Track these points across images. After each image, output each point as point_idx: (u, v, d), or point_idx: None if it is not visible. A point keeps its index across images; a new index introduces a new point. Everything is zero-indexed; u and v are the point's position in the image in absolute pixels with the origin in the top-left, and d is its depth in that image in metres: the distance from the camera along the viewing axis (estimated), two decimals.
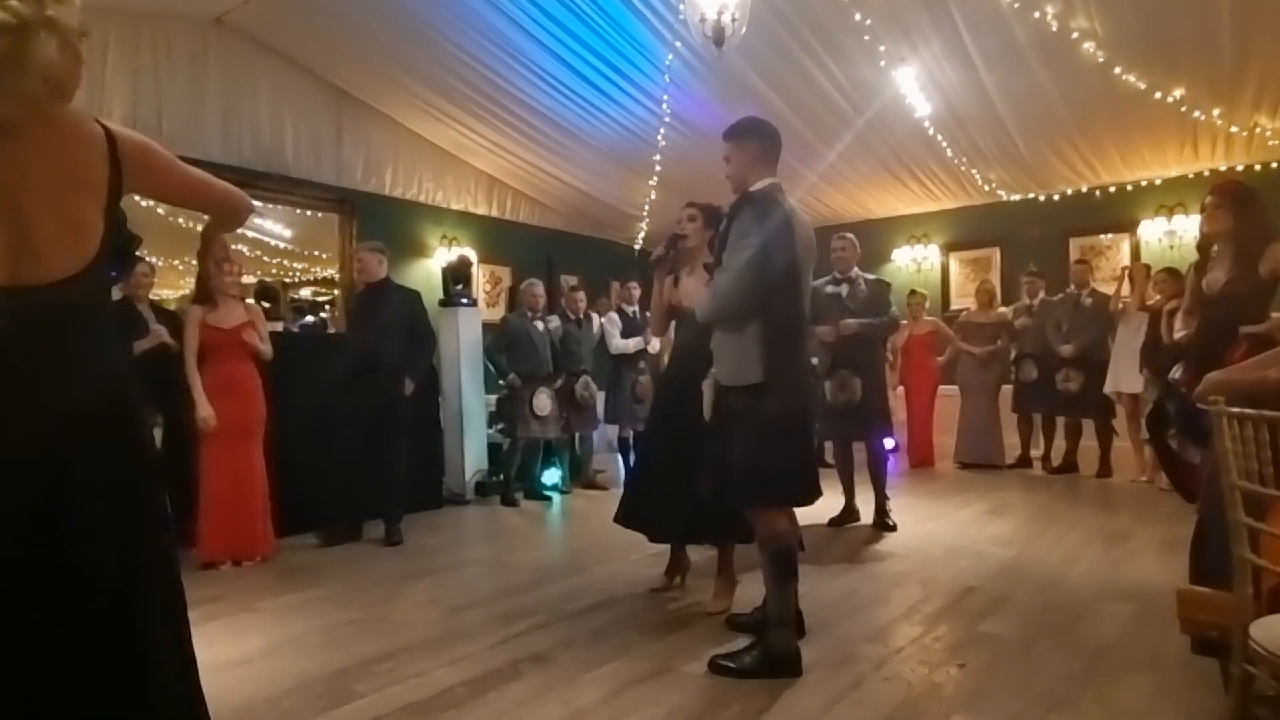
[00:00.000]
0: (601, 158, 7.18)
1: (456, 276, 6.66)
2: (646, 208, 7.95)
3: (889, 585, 3.52)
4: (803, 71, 5.69)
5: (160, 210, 6.61)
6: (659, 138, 6.60)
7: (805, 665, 2.55)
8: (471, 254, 7.48)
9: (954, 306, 8.01)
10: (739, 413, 2.52)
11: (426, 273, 7.25)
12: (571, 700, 2.36)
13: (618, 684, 2.48)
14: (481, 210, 8.04)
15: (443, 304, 6.53)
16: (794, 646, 2.55)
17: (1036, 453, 6.88)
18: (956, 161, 6.93)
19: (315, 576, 3.90)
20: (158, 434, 4.08)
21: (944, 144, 6.60)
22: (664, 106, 6.21)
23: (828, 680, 2.47)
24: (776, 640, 2.52)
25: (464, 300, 6.53)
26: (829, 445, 5.39)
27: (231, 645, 2.93)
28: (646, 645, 2.81)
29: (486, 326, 6.75)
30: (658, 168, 7.06)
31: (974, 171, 7.14)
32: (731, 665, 2.53)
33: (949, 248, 8.27)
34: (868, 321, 4.63)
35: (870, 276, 4.92)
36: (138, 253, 4.28)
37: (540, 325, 6.10)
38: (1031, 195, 7.55)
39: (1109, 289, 6.42)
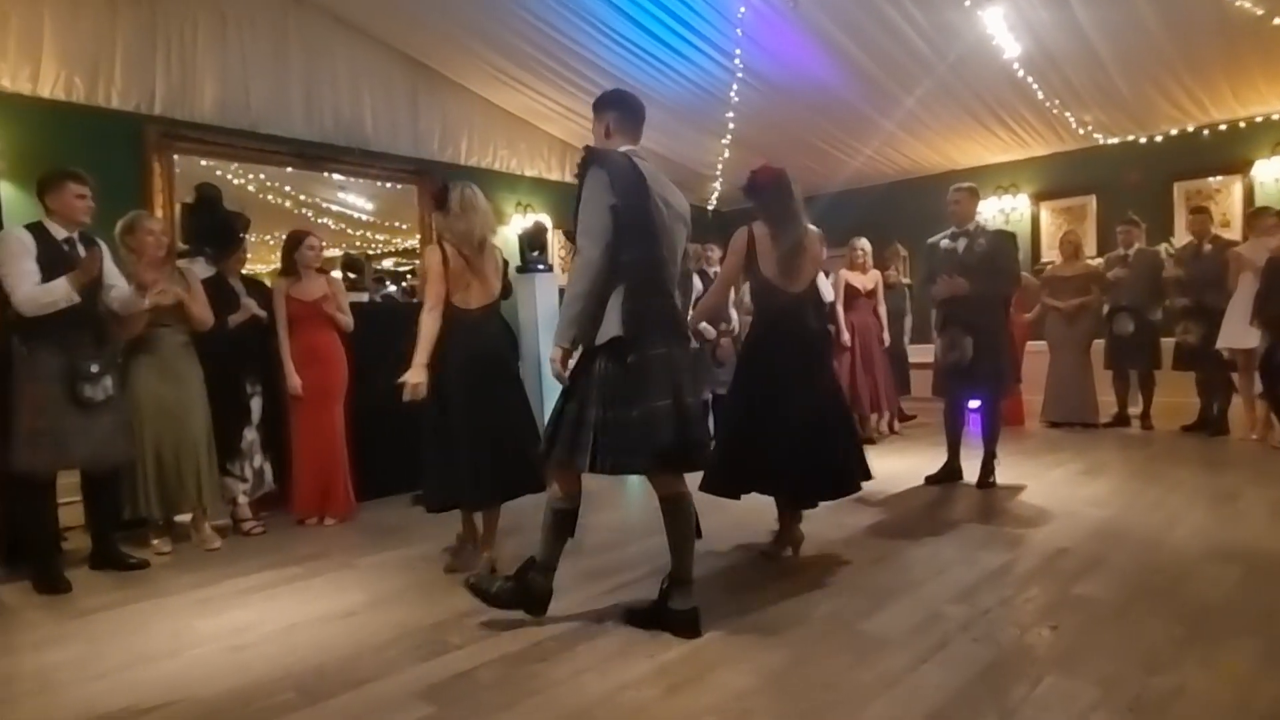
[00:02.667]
0: (672, 117, 7.08)
1: (533, 243, 6.74)
2: (719, 167, 7.84)
3: (976, 546, 3.45)
4: (881, 16, 5.46)
5: (251, 188, 6.92)
6: (732, 94, 6.46)
7: (890, 624, 2.55)
8: (546, 220, 7.55)
9: (1044, 259, 7.65)
10: (601, 370, 2.50)
11: (502, 240, 7.35)
12: (656, 655, 2.42)
13: (702, 640, 2.52)
14: (555, 176, 8.08)
15: (520, 270, 6.63)
16: (549, 589, 2.68)
17: (1135, 410, 6.57)
18: (1048, 104, 6.55)
19: (408, 536, 4.08)
20: (256, 401, 4.33)
21: (1035, 86, 6.25)
22: (736, 61, 6.07)
23: (913, 640, 2.46)
24: (538, 580, 2.66)
25: (540, 266, 6.61)
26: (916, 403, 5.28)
27: (336, 599, 3.11)
28: (727, 603, 2.85)
29: (562, 292, 6.83)
30: (731, 125, 6.92)
31: (1068, 114, 6.74)
32: (485, 590, 2.68)
33: (1039, 197, 7.87)
34: (958, 280, 4.45)
35: (992, 229, 4.73)
36: (242, 234, 4.50)
37: None
38: (1131, 137, 7.09)
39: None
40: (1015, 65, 5.89)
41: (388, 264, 8.70)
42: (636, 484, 5.35)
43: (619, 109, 2.74)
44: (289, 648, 2.63)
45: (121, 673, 2.48)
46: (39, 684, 2.42)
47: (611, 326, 2.46)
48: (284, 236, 4.66)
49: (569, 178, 8.17)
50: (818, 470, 3.24)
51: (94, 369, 3.41)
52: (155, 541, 3.88)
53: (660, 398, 2.45)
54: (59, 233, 3.43)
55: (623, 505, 4.73)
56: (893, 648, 2.41)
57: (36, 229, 3.39)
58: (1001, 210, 7.92)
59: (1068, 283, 6.68)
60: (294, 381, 4.33)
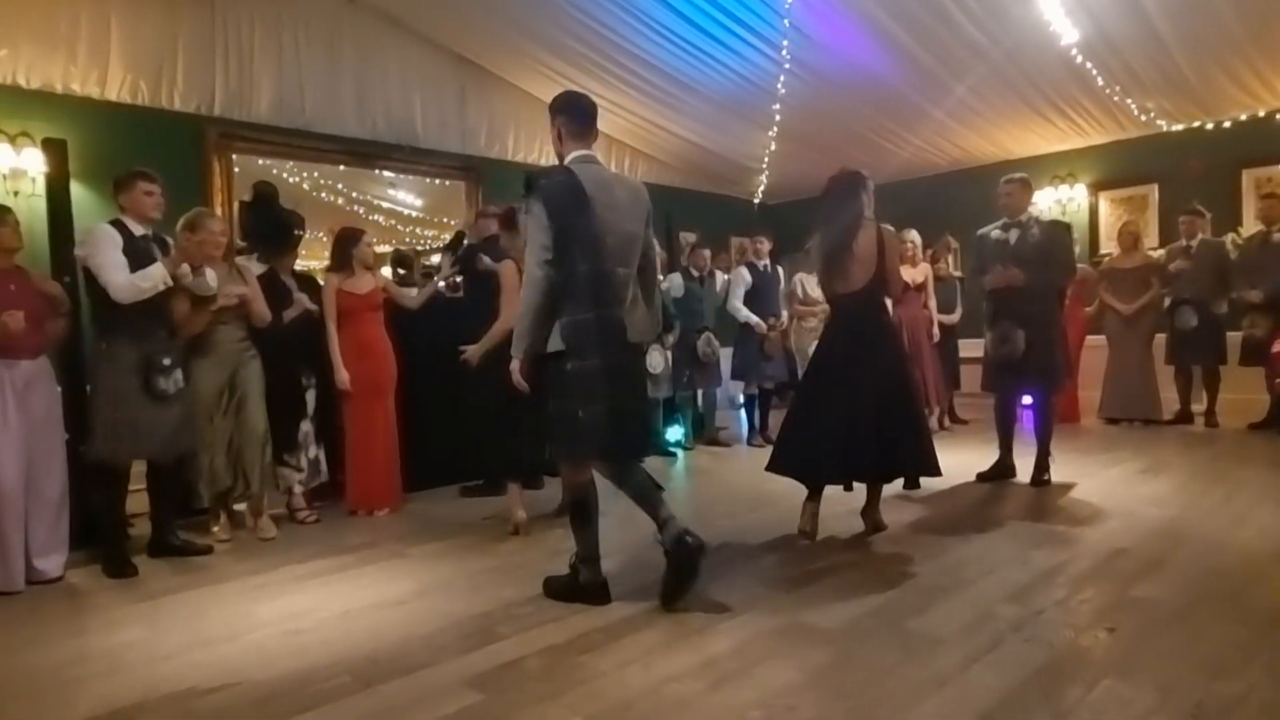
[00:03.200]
0: (718, 110, 7.06)
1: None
2: (766, 159, 7.77)
3: (1029, 545, 3.37)
4: (933, 3, 5.35)
5: (305, 185, 7.08)
6: (779, 85, 6.40)
7: (940, 623, 2.51)
8: None
9: (1103, 251, 7.42)
10: (548, 378, 2.81)
11: None
12: (702, 649, 2.43)
13: (747, 635, 2.52)
14: None
15: None
16: (601, 579, 2.89)
17: (1199, 408, 6.33)
18: (1108, 91, 6.35)
19: (456, 526, 4.15)
20: (311, 394, 4.44)
21: (1094, 72, 6.06)
22: (784, 53, 6.00)
23: (964, 640, 2.41)
24: (584, 574, 2.90)
25: None
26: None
27: (387, 587, 3.19)
28: (775, 598, 2.84)
29: None
30: (777, 117, 6.86)
31: (1129, 101, 6.52)
32: (550, 585, 2.97)
33: (1098, 187, 7.63)
34: (1013, 270, 4.34)
35: (1046, 219, 4.62)
36: (298, 231, 4.61)
37: None
38: (1197, 124, 6.83)
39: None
40: (1073, 51, 5.72)
41: (435, 259, 8.86)
42: (682, 476, 5.37)
43: (566, 114, 2.89)
44: (343, 633, 2.70)
45: (184, 655, 2.58)
46: (110, 664, 2.53)
47: (555, 341, 2.74)
48: (334, 235, 4.76)
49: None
50: (879, 449, 3.43)
51: (166, 362, 3.54)
52: (215, 529, 4.02)
53: (597, 403, 2.72)
54: (136, 229, 3.57)
55: (667, 500, 4.71)
56: (942, 647, 2.37)
57: (118, 225, 3.54)
58: (1058, 201, 7.70)
59: (1127, 275, 6.47)
60: (343, 376, 4.40)
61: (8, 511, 3.25)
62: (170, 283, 3.48)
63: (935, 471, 3.63)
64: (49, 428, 3.43)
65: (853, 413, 3.40)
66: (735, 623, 2.63)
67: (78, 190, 4.32)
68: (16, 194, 4.80)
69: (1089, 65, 5.94)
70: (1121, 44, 5.72)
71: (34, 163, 4.78)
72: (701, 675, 2.24)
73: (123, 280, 3.40)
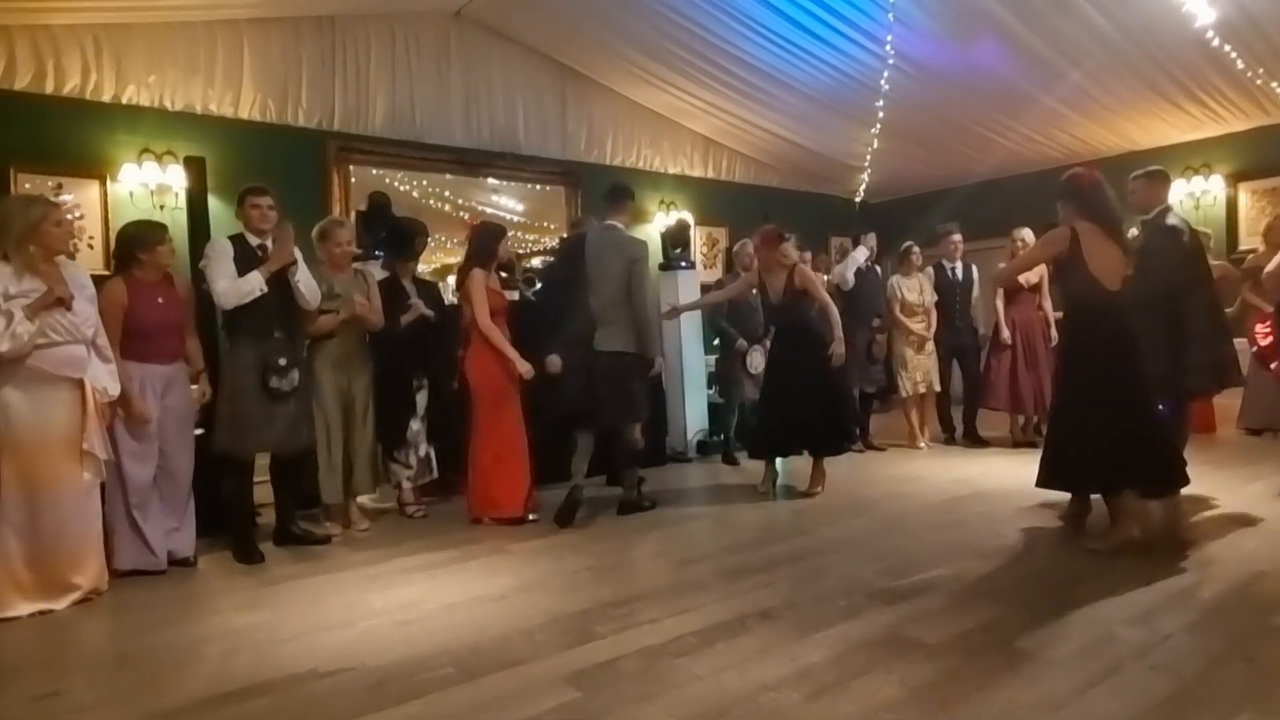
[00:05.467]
0: (818, 108, 6.93)
1: (675, 241, 6.77)
2: (868, 157, 7.57)
3: (1155, 564, 3.15)
4: None
5: (415, 194, 7.40)
6: (882, 81, 6.23)
7: (1054, 643, 2.39)
8: (689, 217, 7.58)
9: (1242, 247, 6.84)
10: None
11: (646, 238, 7.46)
12: (799, 658, 2.39)
13: (845, 646, 2.46)
14: (698, 172, 8.11)
15: (662, 268, 6.69)
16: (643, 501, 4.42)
17: None
18: (1250, 74, 5.86)
19: (555, 525, 4.22)
20: (422, 395, 4.62)
21: (1233, 55, 5.60)
22: (887, 48, 5.84)
23: (1079, 662, 2.28)
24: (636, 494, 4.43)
25: (683, 264, 6.64)
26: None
27: (489, 582, 3.29)
28: (874, 610, 2.76)
29: (704, 288, 6.84)
30: (880, 114, 6.68)
31: (1274, 84, 5.99)
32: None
33: (1236, 178, 7.05)
34: None
35: (1167, 222, 4.20)
36: (420, 238, 4.78)
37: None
38: None
39: None
40: (1209, 33, 5.30)
41: (536, 263, 9.07)
42: (783, 485, 5.27)
43: (605, 197, 4.58)
44: (448, 624, 2.81)
45: (304, 638, 2.75)
46: (237, 643, 2.73)
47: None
48: (472, 229, 4.72)
49: (710, 173, 8.18)
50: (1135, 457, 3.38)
51: (282, 362, 3.79)
52: (328, 523, 4.25)
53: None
54: (253, 240, 3.84)
55: (767, 505, 4.68)
56: (1055, 668, 2.25)
57: (236, 239, 3.83)
58: (1190, 194, 7.16)
59: (1275, 275, 5.92)
60: (524, 367, 4.21)
61: (147, 499, 3.55)
62: (265, 289, 3.67)
63: (1182, 481, 3.51)
64: (183, 424, 3.73)
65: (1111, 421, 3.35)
66: (833, 633, 2.58)
67: (214, 204, 4.67)
68: (162, 208, 5.24)
69: (1226, 47, 5.50)
70: (1265, 23, 5.26)
71: (177, 179, 5.21)
72: (798, 685, 2.21)
73: (224, 286, 3.66)
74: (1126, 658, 2.30)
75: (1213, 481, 4.48)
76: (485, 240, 4.40)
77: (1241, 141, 6.95)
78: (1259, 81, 5.96)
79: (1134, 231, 4.31)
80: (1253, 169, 6.95)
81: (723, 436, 6.17)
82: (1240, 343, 6.08)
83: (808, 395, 4.56)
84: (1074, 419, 3.49)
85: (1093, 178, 3.56)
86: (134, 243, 3.62)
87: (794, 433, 4.67)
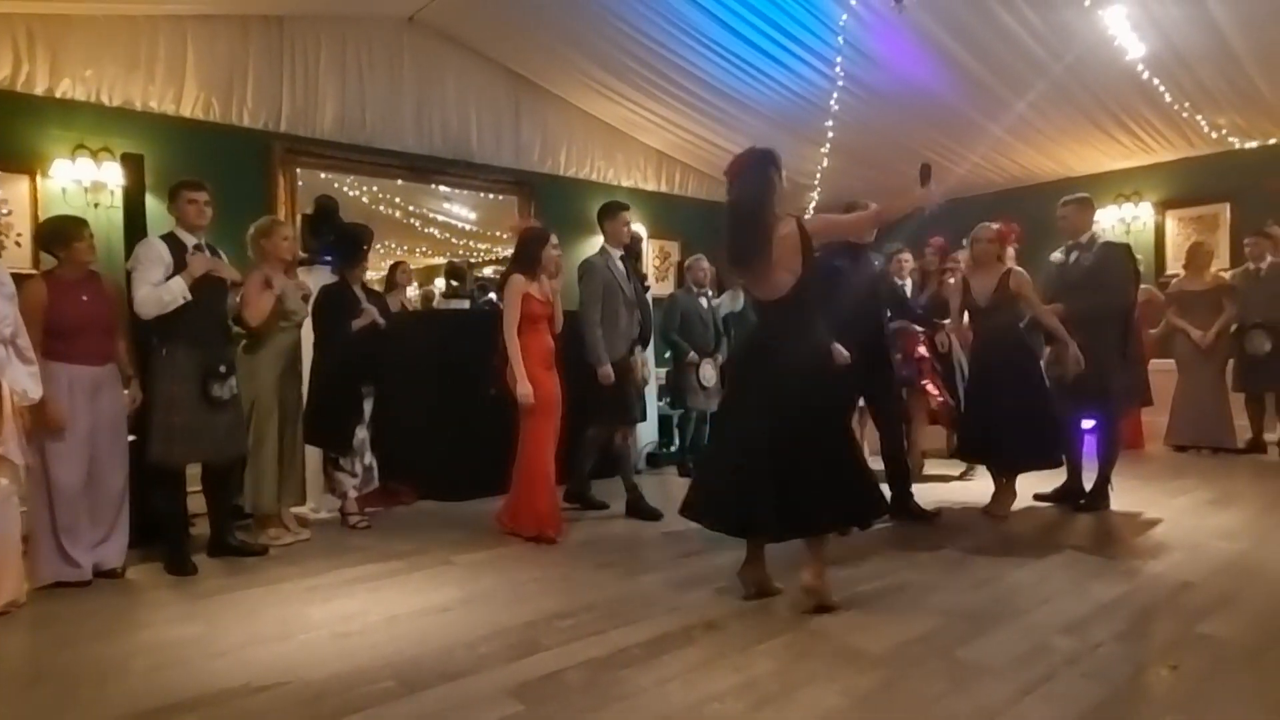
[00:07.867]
0: (771, 126, 7.03)
1: (628, 253, 6.77)
2: (818, 176, 7.71)
3: (1088, 575, 3.25)
4: (992, 19, 5.26)
5: (364, 199, 7.28)
6: (832, 102, 6.36)
7: (991, 653, 2.44)
8: (642, 230, 7.60)
9: (1169, 271, 7.15)
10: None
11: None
12: (743, 668, 2.40)
13: (790, 656, 2.48)
14: (650, 186, 8.15)
15: None
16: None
17: (1273, 437, 6.05)
18: (1177, 107, 6.14)
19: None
20: (368, 402, 4.53)
21: (1161, 88, 5.87)
22: (837, 69, 5.97)
23: (1015, 671, 2.34)
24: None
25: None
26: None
27: (434, 594, 3.23)
28: (819, 620, 2.79)
29: (655, 302, 6.86)
30: (830, 134, 6.81)
31: (1199, 118, 6.30)
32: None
33: (1165, 205, 7.37)
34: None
35: (1103, 241, 4.48)
36: (365, 245, 4.70)
37: (704, 301, 6.12)
38: (1273, 140, 6.55)
39: None
40: (1140, 66, 5.56)
41: (487, 271, 9.00)
42: None
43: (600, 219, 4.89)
44: (390, 637, 2.74)
45: (239, 652, 2.65)
46: (168, 657, 2.61)
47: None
48: (519, 234, 4.43)
49: (664, 187, 8.23)
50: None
51: (223, 369, 3.67)
52: (270, 531, 4.12)
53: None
54: (187, 239, 3.70)
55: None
56: (992, 677, 2.30)
57: (169, 238, 3.68)
58: (1121, 219, 7.46)
59: (1198, 298, 6.23)
60: (527, 389, 3.96)
61: (75, 507, 3.39)
62: (188, 297, 3.52)
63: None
64: (114, 430, 3.57)
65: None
66: (778, 643, 2.59)
67: (152, 203, 4.52)
68: (97, 205, 5.05)
69: (1156, 81, 5.76)
70: (1192, 59, 5.53)
71: (113, 176, 5.02)
72: (743, 695, 2.22)
73: (143, 294, 3.50)
74: (1060, 666, 2.37)
75: (1142, 496, 4.66)
76: (528, 245, 4.20)
77: (1169, 171, 7.28)
78: (1185, 115, 6.26)
79: (1057, 255, 4.53)
80: (1179, 197, 7.29)
81: (678, 447, 6.17)
82: (1164, 363, 6.41)
83: (1011, 406, 4.18)
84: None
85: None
86: (50, 239, 3.48)
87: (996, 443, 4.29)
